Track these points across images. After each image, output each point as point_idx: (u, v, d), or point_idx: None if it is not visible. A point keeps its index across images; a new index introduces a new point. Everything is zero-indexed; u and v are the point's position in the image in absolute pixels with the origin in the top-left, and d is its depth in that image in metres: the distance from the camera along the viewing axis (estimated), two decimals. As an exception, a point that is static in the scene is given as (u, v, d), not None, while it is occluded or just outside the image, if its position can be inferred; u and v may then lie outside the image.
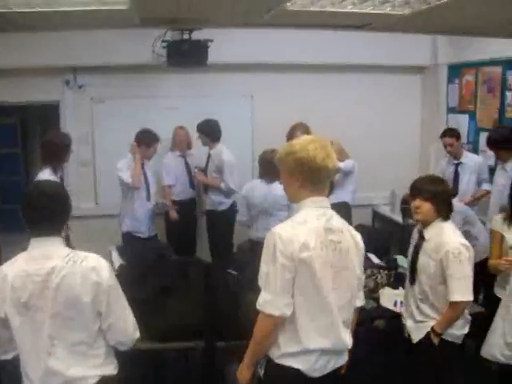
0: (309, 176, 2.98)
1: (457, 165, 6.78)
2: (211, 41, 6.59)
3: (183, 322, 4.09)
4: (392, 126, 8.37)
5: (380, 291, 4.76)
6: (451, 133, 6.82)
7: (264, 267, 2.88)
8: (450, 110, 8.04)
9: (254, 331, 2.92)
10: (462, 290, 3.81)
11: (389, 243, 6.91)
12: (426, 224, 4.00)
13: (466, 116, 7.59)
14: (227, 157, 7.03)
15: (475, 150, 7.23)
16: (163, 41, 6.78)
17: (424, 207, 3.94)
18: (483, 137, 6.82)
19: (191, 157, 7.53)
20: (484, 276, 5.39)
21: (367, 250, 5.32)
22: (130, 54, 7.13)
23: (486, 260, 5.33)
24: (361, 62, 7.97)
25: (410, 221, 5.74)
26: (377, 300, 4.64)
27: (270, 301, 2.82)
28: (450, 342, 3.91)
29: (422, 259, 3.96)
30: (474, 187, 6.70)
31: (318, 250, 2.89)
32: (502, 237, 4.41)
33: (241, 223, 6.26)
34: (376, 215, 8.43)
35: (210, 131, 7.13)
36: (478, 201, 6.62)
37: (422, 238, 4.01)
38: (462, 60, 7.60)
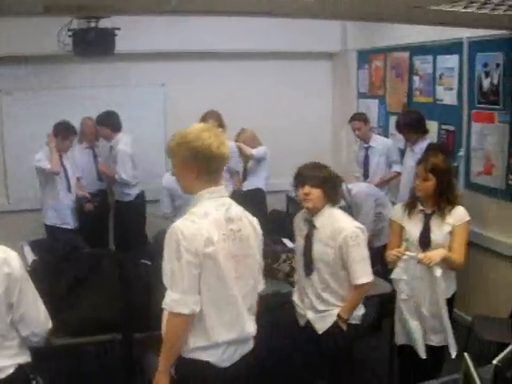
0: (204, 166, 2.88)
1: (366, 148, 6.96)
2: (118, 29, 6.45)
3: (99, 314, 4.02)
4: (304, 112, 8.42)
5: (295, 275, 4.78)
6: (358, 117, 6.98)
7: (168, 265, 2.79)
8: (361, 95, 8.18)
9: (165, 334, 2.85)
10: (365, 272, 3.91)
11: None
12: (314, 212, 3.95)
13: (376, 101, 7.74)
14: (122, 146, 6.93)
15: (385, 134, 7.39)
16: (69, 29, 6.60)
17: (314, 194, 3.87)
18: (393, 120, 6.96)
19: (99, 149, 7.40)
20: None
21: (282, 235, 5.41)
22: (35, 44, 6.86)
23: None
24: (272, 49, 7.98)
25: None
26: (292, 284, 4.66)
27: (178, 300, 2.75)
28: (353, 325, 3.98)
29: (318, 248, 3.93)
30: (383, 169, 6.87)
31: (222, 243, 2.85)
32: (402, 228, 4.31)
33: (165, 215, 6.03)
34: (290, 200, 8.46)
35: (110, 122, 7.02)
36: (387, 182, 6.76)
37: (312, 226, 3.96)
38: (371, 46, 7.74)
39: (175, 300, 2.76)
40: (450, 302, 4.22)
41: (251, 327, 3.06)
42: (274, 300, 4.43)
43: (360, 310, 4.04)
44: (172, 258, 2.76)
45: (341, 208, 5.68)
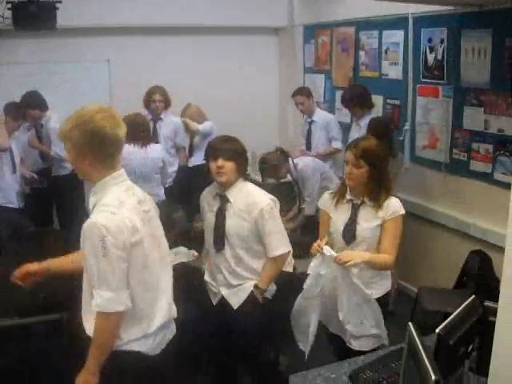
0: (101, 150, 2.69)
1: (310, 123, 6.99)
2: (59, 2, 6.31)
3: (45, 294, 3.99)
4: (251, 87, 8.40)
5: (203, 253, 4.74)
6: (301, 91, 6.99)
7: (94, 264, 2.61)
8: (307, 70, 8.19)
9: (97, 334, 2.68)
10: (282, 243, 3.89)
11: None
12: (227, 186, 3.84)
13: (323, 76, 7.76)
14: (53, 124, 6.77)
15: (331, 109, 7.42)
16: (8, 2, 6.42)
17: (227, 167, 3.76)
18: (339, 95, 7.00)
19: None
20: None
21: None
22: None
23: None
24: (218, 23, 7.92)
25: (270, 180, 5.84)
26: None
27: (110, 298, 2.61)
28: (268, 298, 3.96)
29: (232, 222, 3.83)
30: (324, 144, 6.88)
31: (143, 229, 2.75)
32: (329, 217, 3.86)
33: None
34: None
35: (37, 103, 6.79)
36: (325, 157, 6.71)
37: (225, 200, 3.85)
38: (318, 21, 7.75)
39: (108, 299, 2.61)
40: (382, 302, 3.74)
41: (174, 309, 3.03)
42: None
43: (273, 286, 3.98)
44: (98, 256, 2.59)
45: (286, 182, 5.74)
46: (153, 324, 2.82)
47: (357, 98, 6.13)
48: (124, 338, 2.75)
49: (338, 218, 3.76)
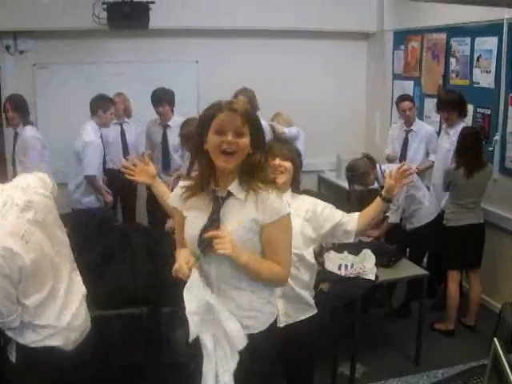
0: None
1: (407, 132, 6.79)
2: (153, 2, 6.45)
3: (127, 288, 4.05)
4: (338, 92, 8.36)
5: (325, 255, 4.76)
6: (409, 98, 6.83)
7: None
8: (396, 77, 8.07)
9: None
10: None
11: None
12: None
13: (411, 82, 7.63)
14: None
15: (420, 116, 7.29)
16: (103, 3, 6.61)
17: (288, 167, 3.51)
18: (428, 103, 6.88)
19: (128, 125, 7.29)
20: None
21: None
22: (70, 18, 6.91)
23: (431, 222, 5.50)
24: (307, 27, 7.91)
25: (358, 187, 5.79)
26: (322, 264, 4.65)
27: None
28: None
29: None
30: (422, 156, 6.69)
31: (24, 244, 2.69)
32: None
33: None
34: (321, 181, 8.47)
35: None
36: (422, 172, 6.58)
37: None
38: (408, 26, 7.63)
39: None
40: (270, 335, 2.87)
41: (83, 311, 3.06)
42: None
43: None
44: None
45: (373, 189, 5.66)
46: (62, 320, 2.86)
47: (453, 104, 5.94)
48: (33, 337, 2.82)
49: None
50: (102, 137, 6.50)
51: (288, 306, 3.52)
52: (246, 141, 2.60)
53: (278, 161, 3.46)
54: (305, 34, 8.05)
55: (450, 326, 5.54)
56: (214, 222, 2.67)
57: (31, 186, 2.92)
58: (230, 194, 2.67)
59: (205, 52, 7.82)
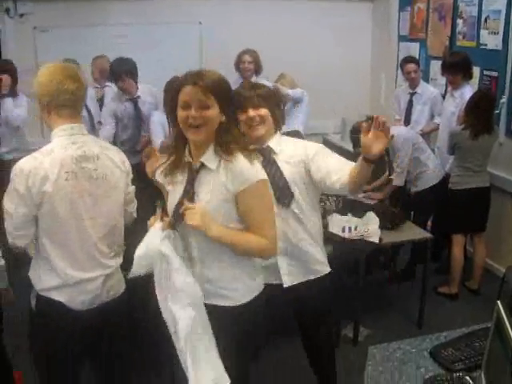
0: (51, 100, 2.85)
1: (411, 94, 6.70)
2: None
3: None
4: (343, 54, 8.28)
5: (328, 217, 4.73)
6: (413, 60, 6.72)
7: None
8: (401, 38, 7.97)
9: None
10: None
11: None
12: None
13: (417, 44, 7.53)
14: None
15: (426, 78, 7.21)
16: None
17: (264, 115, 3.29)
18: (434, 65, 6.78)
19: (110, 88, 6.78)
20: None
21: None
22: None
23: (436, 185, 5.46)
24: (312, -12, 7.80)
25: (360, 149, 5.74)
26: (325, 226, 4.61)
27: (10, 233, 2.81)
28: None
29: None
30: (426, 119, 6.59)
31: (62, 181, 2.74)
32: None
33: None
34: (326, 143, 8.38)
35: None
36: (427, 134, 6.54)
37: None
38: (414, -13, 7.52)
39: (9, 232, 2.80)
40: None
41: (106, 268, 2.99)
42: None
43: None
44: (7, 193, 2.77)
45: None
46: (70, 276, 2.85)
47: (458, 66, 5.84)
48: (44, 283, 2.86)
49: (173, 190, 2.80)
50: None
51: (292, 265, 3.42)
52: (212, 112, 2.55)
53: (250, 112, 3.23)
54: (309, -5, 7.94)
55: (453, 289, 5.55)
56: (188, 193, 2.67)
57: (110, 151, 3.01)
58: (203, 165, 2.65)
59: (208, 13, 7.75)
